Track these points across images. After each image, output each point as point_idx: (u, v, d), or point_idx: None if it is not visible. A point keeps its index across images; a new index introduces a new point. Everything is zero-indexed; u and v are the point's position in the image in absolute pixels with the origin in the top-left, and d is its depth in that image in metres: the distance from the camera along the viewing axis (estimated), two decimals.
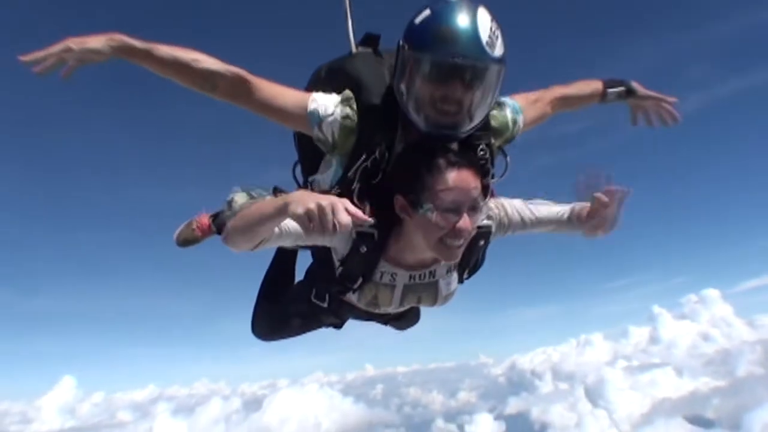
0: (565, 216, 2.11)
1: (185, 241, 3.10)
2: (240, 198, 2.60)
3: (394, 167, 1.89)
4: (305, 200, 1.45)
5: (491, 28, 1.72)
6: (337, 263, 2.04)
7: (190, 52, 1.82)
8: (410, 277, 2.06)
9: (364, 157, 1.89)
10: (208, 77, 1.82)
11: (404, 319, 2.60)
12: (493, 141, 2.03)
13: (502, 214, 2.06)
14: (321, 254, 2.12)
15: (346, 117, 1.90)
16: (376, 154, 1.88)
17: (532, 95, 2.22)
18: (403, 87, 1.83)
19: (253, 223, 1.64)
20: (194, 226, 3.06)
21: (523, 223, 2.09)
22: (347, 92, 1.95)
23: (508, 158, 2.12)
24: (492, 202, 2.04)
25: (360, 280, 2.03)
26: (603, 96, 2.37)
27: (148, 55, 1.77)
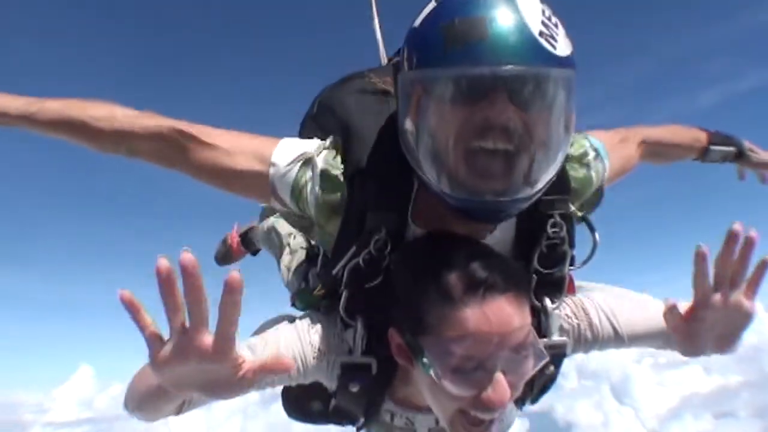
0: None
1: (223, 259, 2.87)
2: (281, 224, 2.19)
3: (392, 278, 1.22)
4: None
5: (543, 12, 1.02)
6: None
7: (91, 106, 1.32)
8: (437, 420, 1.39)
9: (353, 250, 1.22)
10: (119, 140, 1.31)
11: None
12: (572, 208, 1.30)
13: (584, 325, 1.37)
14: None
15: (325, 186, 1.22)
16: (371, 247, 1.19)
17: (613, 133, 1.48)
18: (410, 131, 1.11)
19: (147, 400, 1.12)
20: (229, 243, 2.83)
21: (617, 339, 1.37)
22: (332, 140, 1.29)
23: (597, 234, 1.33)
24: (569, 305, 1.37)
25: (361, 420, 1.45)
26: (704, 152, 1.70)
27: (27, 121, 1.33)
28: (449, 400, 1.05)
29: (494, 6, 0.96)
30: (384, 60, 1.83)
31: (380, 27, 1.90)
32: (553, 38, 0.98)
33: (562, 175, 1.20)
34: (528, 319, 1.06)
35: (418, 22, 1.05)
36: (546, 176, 1.08)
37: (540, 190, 1.09)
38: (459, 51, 0.95)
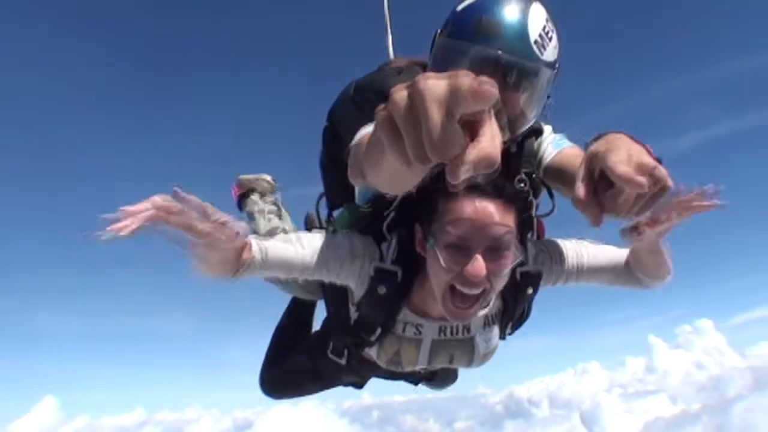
0: (623, 261, 1.73)
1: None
2: (258, 224, 2.40)
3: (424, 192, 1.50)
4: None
5: (544, 27, 1.50)
6: (352, 308, 1.73)
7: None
8: (440, 330, 1.73)
9: None
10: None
11: (438, 378, 2.37)
12: (536, 172, 1.73)
13: (557, 258, 1.73)
14: (334, 297, 1.81)
15: None
16: (427, 180, 1.52)
17: None
18: None
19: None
20: (232, 191, 2.77)
21: (579, 272, 1.74)
22: None
23: (554, 196, 1.79)
24: (544, 242, 1.76)
25: (378, 331, 1.69)
26: None
27: None
28: (443, 273, 1.43)
29: (512, 16, 1.46)
30: (392, 56, 2.29)
31: (391, 29, 2.33)
32: (544, 47, 1.49)
33: (530, 147, 1.73)
34: (510, 223, 1.43)
35: (461, 7, 1.58)
36: (509, 135, 1.56)
37: (504, 141, 1.51)
38: (479, 38, 1.48)
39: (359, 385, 2.34)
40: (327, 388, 2.38)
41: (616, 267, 1.75)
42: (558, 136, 1.78)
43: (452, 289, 1.44)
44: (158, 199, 1.06)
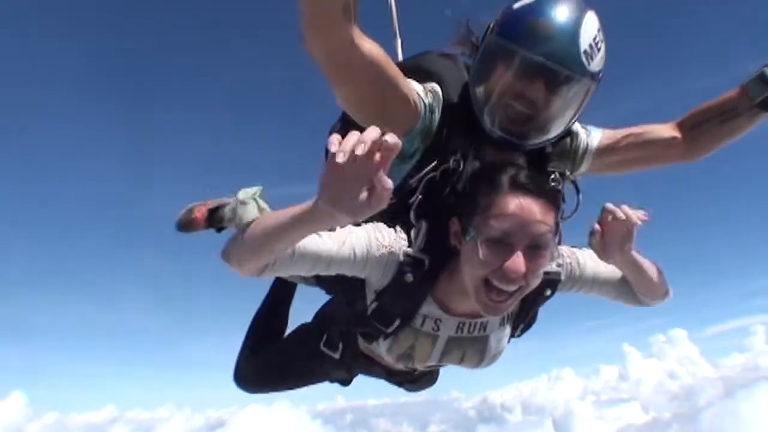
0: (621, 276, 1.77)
1: (185, 225, 2.46)
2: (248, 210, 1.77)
3: (463, 183, 1.56)
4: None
5: (595, 38, 1.49)
6: (370, 297, 1.64)
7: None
8: (458, 327, 1.67)
9: (434, 164, 1.58)
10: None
11: (422, 380, 2.28)
12: (567, 172, 1.72)
13: (575, 264, 1.72)
14: (349, 286, 1.68)
15: (431, 111, 1.61)
16: (450, 163, 1.57)
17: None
18: (479, 76, 1.59)
19: (265, 234, 1.28)
20: (195, 214, 2.47)
21: (593, 281, 1.76)
22: (432, 84, 1.65)
23: (581, 195, 1.70)
24: (564, 249, 1.72)
25: (397, 322, 1.62)
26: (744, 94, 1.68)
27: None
28: (479, 267, 1.39)
29: (566, 23, 1.46)
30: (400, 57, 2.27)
31: (399, 32, 2.31)
32: (592, 57, 1.48)
33: (563, 147, 1.75)
34: (550, 222, 1.41)
35: (517, 5, 1.54)
36: (549, 135, 1.63)
37: (541, 143, 1.64)
38: (531, 41, 1.46)
39: (346, 382, 2.22)
40: (311, 383, 2.27)
41: (622, 281, 1.78)
42: (588, 125, 1.85)
43: (487, 283, 1.42)
44: (377, 135, 0.97)
